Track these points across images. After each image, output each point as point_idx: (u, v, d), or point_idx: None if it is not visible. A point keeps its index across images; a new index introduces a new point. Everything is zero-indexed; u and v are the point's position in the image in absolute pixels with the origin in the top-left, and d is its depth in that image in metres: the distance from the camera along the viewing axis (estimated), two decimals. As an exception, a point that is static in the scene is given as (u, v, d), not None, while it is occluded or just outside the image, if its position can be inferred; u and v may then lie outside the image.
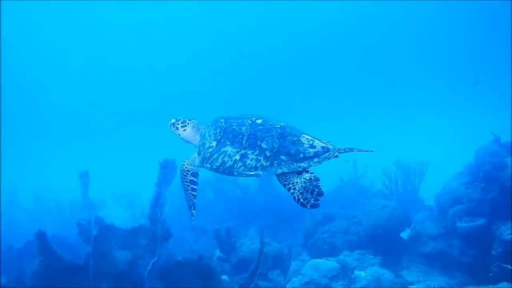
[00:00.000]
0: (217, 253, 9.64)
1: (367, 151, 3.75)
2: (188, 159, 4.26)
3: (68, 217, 13.62)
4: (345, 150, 3.70)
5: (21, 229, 12.60)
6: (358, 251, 9.60)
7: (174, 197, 13.03)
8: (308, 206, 3.21)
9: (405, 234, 9.39)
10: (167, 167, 6.77)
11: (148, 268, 6.30)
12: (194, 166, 4.19)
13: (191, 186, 4.10)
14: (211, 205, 14.00)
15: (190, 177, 4.13)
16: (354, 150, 3.72)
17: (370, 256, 9.34)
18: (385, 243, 9.24)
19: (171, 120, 4.51)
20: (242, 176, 3.67)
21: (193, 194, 4.06)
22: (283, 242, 10.94)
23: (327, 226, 10.63)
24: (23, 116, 51.11)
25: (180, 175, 4.16)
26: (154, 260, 6.39)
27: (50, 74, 48.54)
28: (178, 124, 4.43)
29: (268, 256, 8.57)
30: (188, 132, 4.41)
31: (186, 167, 4.18)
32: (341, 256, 9.38)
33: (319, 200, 3.23)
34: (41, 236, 5.68)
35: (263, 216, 12.65)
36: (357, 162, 15.14)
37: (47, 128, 51.83)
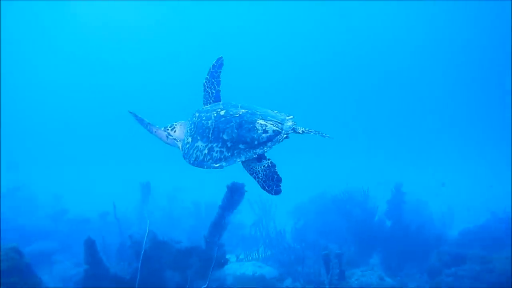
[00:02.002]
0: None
1: (325, 136, 3.91)
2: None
3: (204, 217, 13.65)
4: (300, 132, 3.91)
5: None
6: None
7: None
8: (273, 193, 3.60)
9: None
10: (234, 192, 6.19)
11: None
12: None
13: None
14: (331, 223, 13.06)
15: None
16: (312, 133, 3.92)
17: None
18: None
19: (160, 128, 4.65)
20: (210, 168, 3.86)
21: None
22: (399, 278, 9.72)
23: (453, 269, 9.11)
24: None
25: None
26: (205, 286, 5.77)
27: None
28: (168, 128, 4.63)
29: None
30: (177, 133, 4.64)
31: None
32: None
33: (280, 186, 3.61)
34: (90, 245, 5.33)
35: (386, 245, 11.35)
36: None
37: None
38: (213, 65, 4.69)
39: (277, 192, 3.59)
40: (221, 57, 4.71)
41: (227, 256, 11.15)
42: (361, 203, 12.32)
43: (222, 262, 6.05)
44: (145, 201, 6.85)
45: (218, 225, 6.10)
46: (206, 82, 4.71)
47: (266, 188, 3.67)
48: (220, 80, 4.73)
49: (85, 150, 47.94)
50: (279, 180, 3.65)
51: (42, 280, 6.28)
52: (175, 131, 4.62)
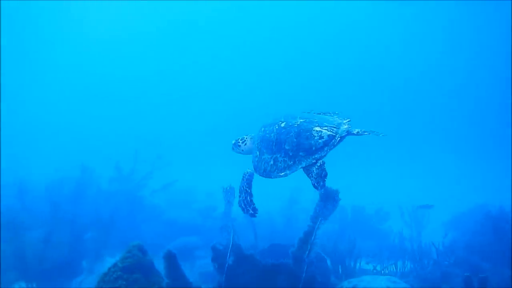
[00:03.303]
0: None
1: (380, 134, 4.11)
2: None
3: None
4: (355, 133, 4.19)
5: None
6: None
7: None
8: (319, 189, 4.01)
9: None
10: (328, 199, 5.42)
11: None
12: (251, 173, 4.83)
13: (246, 186, 4.79)
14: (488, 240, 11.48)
15: (247, 177, 4.83)
16: (366, 133, 4.15)
17: None
18: None
19: (232, 141, 5.18)
20: (277, 177, 4.29)
21: (248, 192, 4.73)
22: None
23: None
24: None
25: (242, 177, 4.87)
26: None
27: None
28: (239, 142, 5.09)
29: None
30: (248, 146, 5.04)
31: (248, 172, 4.86)
32: None
33: (325, 181, 3.97)
34: (170, 259, 5.21)
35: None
36: None
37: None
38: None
39: (323, 187, 4.00)
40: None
41: (366, 264, 10.34)
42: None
43: (310, 282, 5.34)
44: (228, 208, 6.58)
45: (308, 240, 5.41)
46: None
47: (316, 184, 4.04)
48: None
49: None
50: (325, 175, 4.01)
51: (164, 279, 6.45)
52: (245, 144, 5.08)
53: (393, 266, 9.79)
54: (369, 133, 4.14)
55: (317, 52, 47.67)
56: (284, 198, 15.01)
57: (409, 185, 29.11)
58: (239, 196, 4.76)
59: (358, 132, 4.18)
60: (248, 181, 4.79)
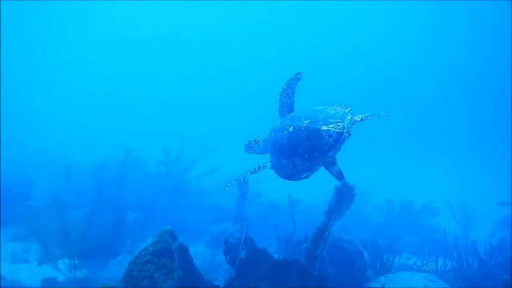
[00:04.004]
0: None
1: (382, 115, 4.46)
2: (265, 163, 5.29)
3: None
4: (361, 119, 4.44)
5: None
6: None
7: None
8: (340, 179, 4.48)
9: None
10: (343, 194, 5.12)
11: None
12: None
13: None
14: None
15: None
16: (370, 117, 4.44)
17: None
18: None
19: (244, 142, 5.66)
20: (299, 179, 4.60)
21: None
22: None
23: None
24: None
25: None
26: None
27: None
28: (252, 143, 5.54)
29: None
30: (261, 147, 5.46)
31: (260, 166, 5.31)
32: None
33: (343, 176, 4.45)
34: (182, 251, 5.17)
35: None
36: None
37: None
38: (292, 78, 5.32)
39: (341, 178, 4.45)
40: (300, 72, 5.33)
41: (407, 260, 9.91)
42: None
43: (322, 281, 5.11)
44: (242, 200, 6.42)
45: (321, 236, 5.17)
46: (282, 91, 5.35)
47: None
48: (295, 91, 5.35)
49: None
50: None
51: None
52: (258, 145, 5.51)
53: (434, 263, 9.31)
54: (372, 117, 4.45)
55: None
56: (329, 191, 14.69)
57: (458, 181, 27.84)
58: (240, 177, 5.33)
59: (362, 118, 4.44)
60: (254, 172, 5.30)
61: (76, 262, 9.39)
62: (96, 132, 41.32)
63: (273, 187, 13.96)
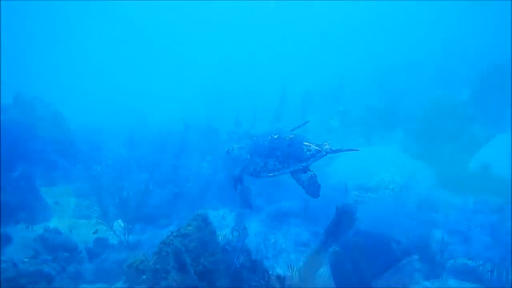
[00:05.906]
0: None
1: (353, 150, 5.13)
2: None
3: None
4: (334, 151, 5.20)
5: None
6: None
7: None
8: (314, 196, 4.81)
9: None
10: (342, 216, 4.74)
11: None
12: (237, 173, 5.61)
13: (239, 184, 5.58)
14: None
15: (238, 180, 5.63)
16: (343, 151, 5.18)
17: None
18: None
19: (225, 149, 6.17)
20: (265, 177, 5.15)
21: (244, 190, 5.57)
22: None
23: None
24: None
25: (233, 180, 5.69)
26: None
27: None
28: (230, 150, 6.01)
29: None
30: (236, 153, 5.91)
31: (234, 173, 5.66)
32: None
33: (320, 191, 4.84)
34: (178, 254, 5.18)
35: None
36: None
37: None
38: (299, 125, 6.28)
39: (317, 196, 4.78)
40: (309, 121, 6.95)
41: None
42: None
43: None
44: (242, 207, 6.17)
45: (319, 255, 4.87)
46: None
47: (309, 193, 4.86)
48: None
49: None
50: (319, 186, 4.85)
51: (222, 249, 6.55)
52: (234, 151, 6.01)
53: (489, 273, 8.36)
54: (346, 151, 5.15)
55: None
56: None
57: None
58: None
59: (337, 149, 5.20)
60: (240, 182, 5.63)
61: (130, 226, 9.77)
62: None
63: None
